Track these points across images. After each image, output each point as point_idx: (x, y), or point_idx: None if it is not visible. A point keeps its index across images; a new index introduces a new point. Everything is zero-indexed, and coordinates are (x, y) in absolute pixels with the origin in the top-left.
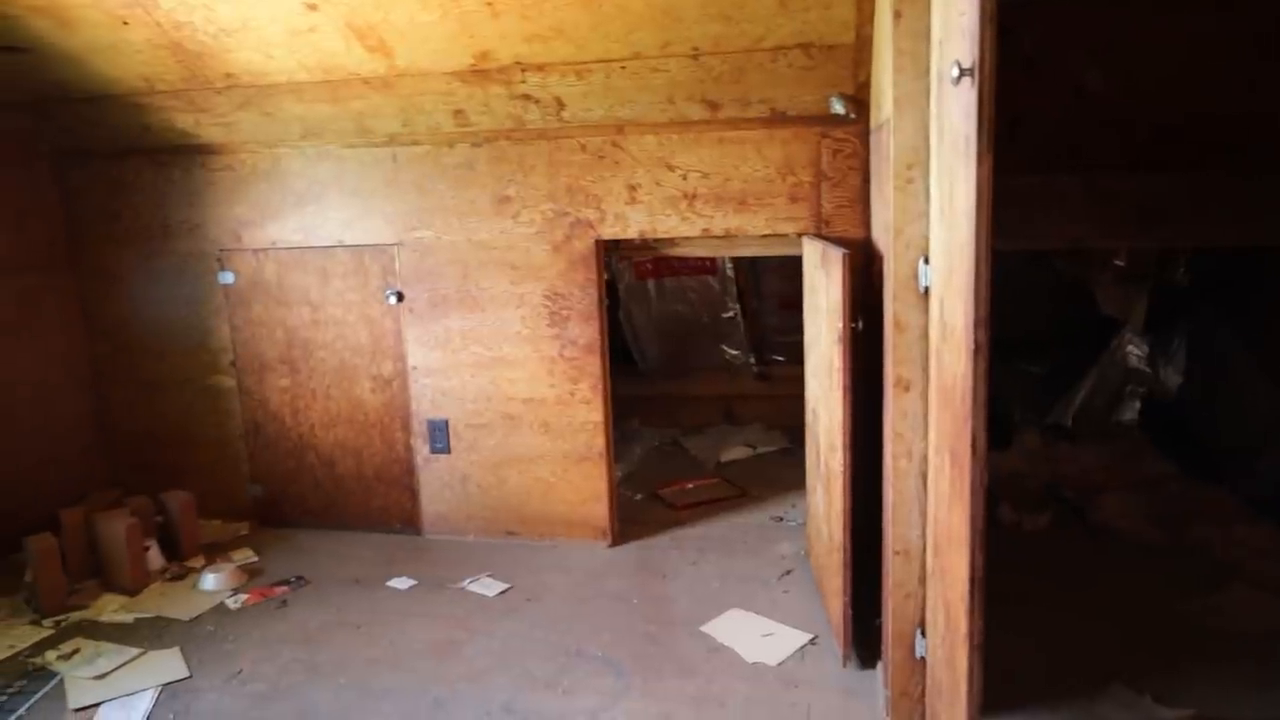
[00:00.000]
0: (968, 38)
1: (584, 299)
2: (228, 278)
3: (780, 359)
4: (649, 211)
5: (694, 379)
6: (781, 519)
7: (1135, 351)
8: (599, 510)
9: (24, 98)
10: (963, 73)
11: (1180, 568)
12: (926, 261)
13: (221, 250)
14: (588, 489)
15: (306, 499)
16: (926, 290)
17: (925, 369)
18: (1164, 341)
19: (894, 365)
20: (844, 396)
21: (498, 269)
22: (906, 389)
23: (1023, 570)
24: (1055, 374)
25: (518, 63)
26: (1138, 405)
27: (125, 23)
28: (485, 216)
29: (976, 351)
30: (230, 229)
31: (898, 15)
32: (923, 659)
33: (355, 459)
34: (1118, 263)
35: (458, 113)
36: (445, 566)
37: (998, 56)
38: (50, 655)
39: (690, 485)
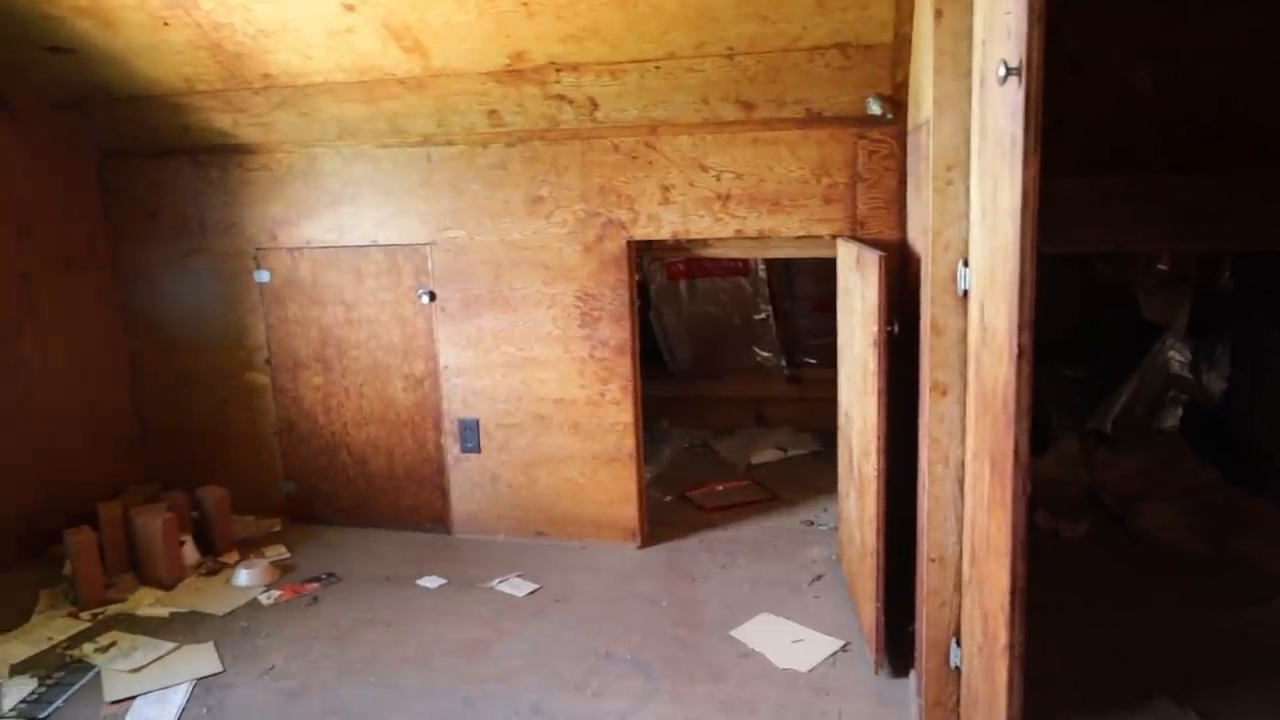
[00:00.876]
0: (1014, 37)
1: (615, 300)
2: (263, 276)
3: (812, 361)
4: (682, 212)
5: (724, 380)
6: (812, 523)
7: (1178, 357)
8: (628, 511)
9: (68, 97)
10: (1009, 72)
11: (1223, 579)
12: (965, 264)
13: (257, 249)
14: (617, 490)
15: (338, 496)
16: (965, 293)
17: (963, 373)
18: (1207, 347)
19: (931, 369)
20: (879, 400)
21: (530, 269)
22: (944, 394)
23: (1059, 579)
24: (1094, 378)
25: (552, 63)
26: (1179, 412)
27: (166, 24)
28: (518, 217)
29: (1020, 356)
30: (266, 228)
31: (939, 14)
32: (957, 669)
33: (386, 457)
34: (1160, 266)
35: (492, 113)
36: (475, 566)
37: (1044, 56)
38: (87, 648)
39: (720, 487)
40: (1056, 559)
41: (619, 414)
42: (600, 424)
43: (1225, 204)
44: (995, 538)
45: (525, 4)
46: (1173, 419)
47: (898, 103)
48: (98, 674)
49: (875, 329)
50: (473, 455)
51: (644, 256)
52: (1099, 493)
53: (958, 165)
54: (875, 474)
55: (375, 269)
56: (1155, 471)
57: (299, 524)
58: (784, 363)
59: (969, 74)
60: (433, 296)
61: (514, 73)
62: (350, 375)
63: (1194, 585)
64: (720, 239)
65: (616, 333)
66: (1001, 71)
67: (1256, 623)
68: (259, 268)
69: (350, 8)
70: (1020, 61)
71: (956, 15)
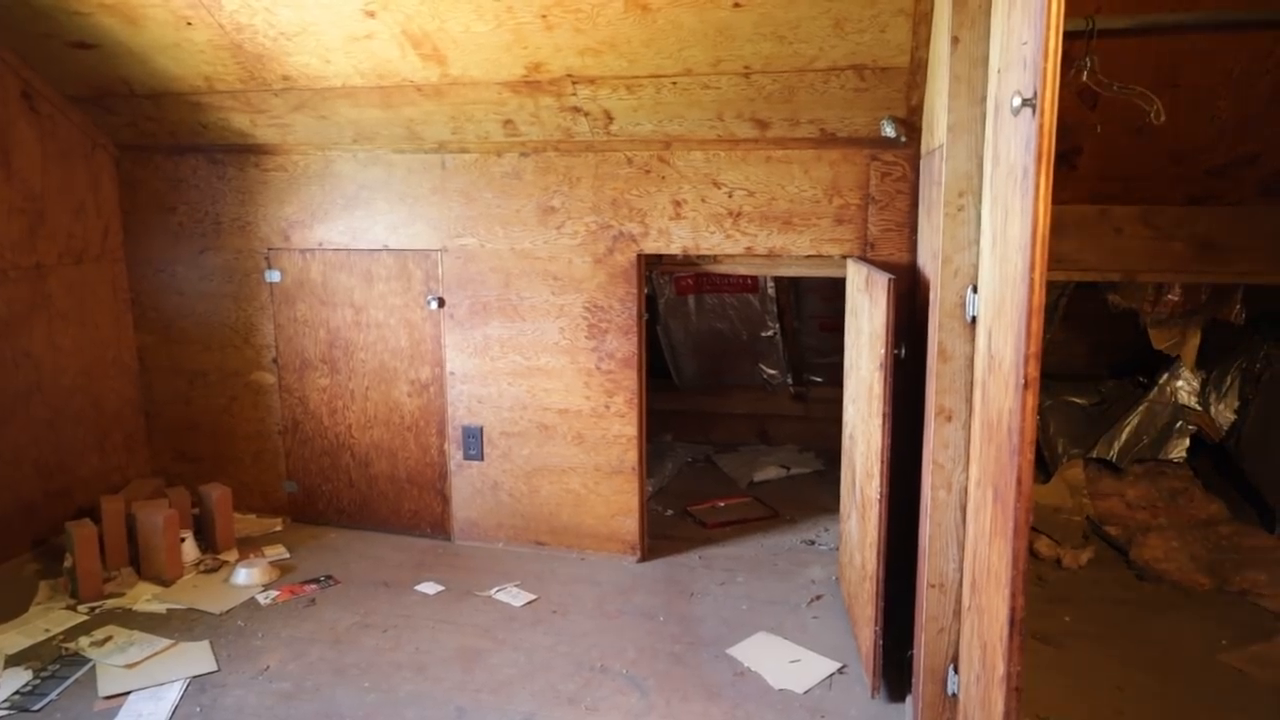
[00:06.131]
0: (1030, 68)
1: (623, 312)
2: (274, 276)
3: (818, 380)
4: (693, 228)
5: (729, 396)
6: (813, 542)
7: (1186, 387)
8: (629, 525)
9: (90, 92)
10: (1024, 103)
11: (1227, 615)
12: (974, 291)
13: (270, 249)
14: (619, 503)
15: (340, 498)
16: (973, 320)
17: (969, 399)
18: (1217, 378)
19: (937, 394)
20: (883, 424)
21: (539, 279)
22: (949, 419)
23: (1061, 608)
24: (1101, 406)
25: (569, 75)
26: (1187, 443)
27: (189, 23)
28: (529, 226)
29: (1026, 387)
30: (279, 228)
31: (956, 41)
32: (954, 696)
33: (389, 461)
34: (1171, 297)
35: (507, 122)
36: (473, 573)
37: (1059, 88)
38: (84, 641)
39: (722, 504)
40: (1058, 587)
41: (623, 427)
42: (604, 436)
43: (1237, 237)
44: (996, 568)
45: (544, 16)
46: (1179, 450)
47: (912, 126)
48: (93, 668)
49: (882, 352)
50: (475, 462)
51: (653, 270)
52: (1102, 522)
53: (970, 192)
54: (878, 497)
55: (386, 273)
56: (1160, 502)
57: (300, 524)
58: (790, 381)
59: (983, 100)
60: (441, 303)
61: (530, 83)
62: (356, 378)
63: (1196, 620)
64: (730, 255)
65: (624, 345)
66: (1016, 102)
67: (1260, 660)
68: (270, 267)
69: (371, 14)
70: (1035, 93)
71: (973, 42)
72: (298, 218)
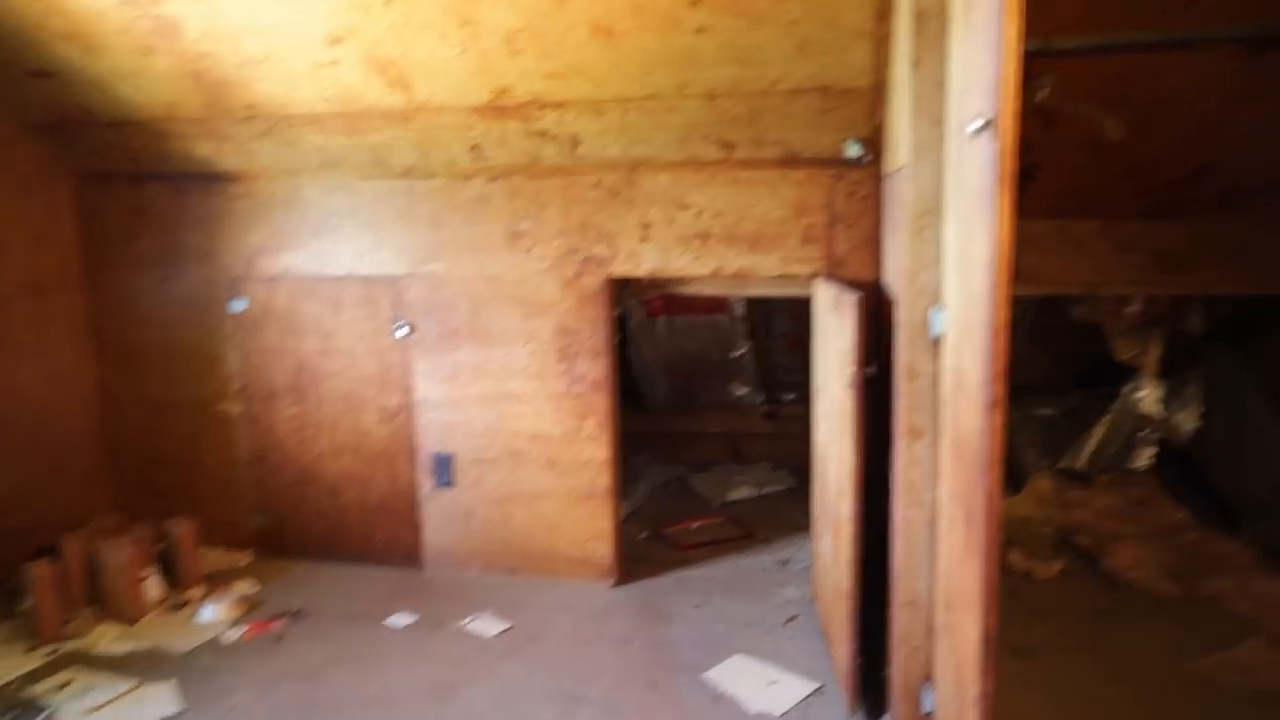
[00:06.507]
0: (988, 92)
1: (594, 335)
2: (240, 304)
3: (790, 397)
4: (661, 250)
5: (701, 416)
6: (787, 562)
7: (1150, 397)
8: (603, 549)
9: (50, 120)
10: (984, 125)
11: (1197, 622)
12: (940, 309)
13: (235, 277)
14: (592, 527)
15: (309, 529)
16: (940, 338)
17: (937, 417)
18: (1179, 387)
19: (905, 413)
20: (854, 443)
21: (508, 304)
22: (918, 437)
23: (1033, 621)
24: (1068, 418)
25: (535, 99)
26: (1152, 451)
27: (150, 51)
28: (497, 251)
29: (993, 406)
30: (245, 256)
31: (917, 63)
32: (929, 713)
33: (359, 490)
34: (1132, 309)
35: (474, 148)
36: (446, 603)
37: (1019, 110)
38: (43, 686)
39: (695, 525)
40: (1030, 600)
41: (595, 450)
42: (576, 460)
43: (1195, 249)
44: (967, 586)
45: (509, 41)
46: (1145, 459)
47: (876, 145)
48: (51, 715)
49: (851, 371)
50: (446, 490)
51: (623, 292)
52: (1072, 533)
53: (933, 211)
54: (850, 516)
55: (353, 300)
56: (1127, 512)
57: (269, 557)
58: (761, 399)
59: (945, 122)
60: (410, 329)
61: (497, 108)
62: (325, 406)
63: (1165, 627)
64: (699, 277)
65: (594, 368)
66: (977, 124)
67: (1227, 666)
68: (236, 296)
69: (336, 40)
70: (994, 115)
71: (933, 64)
72: (263, 245)
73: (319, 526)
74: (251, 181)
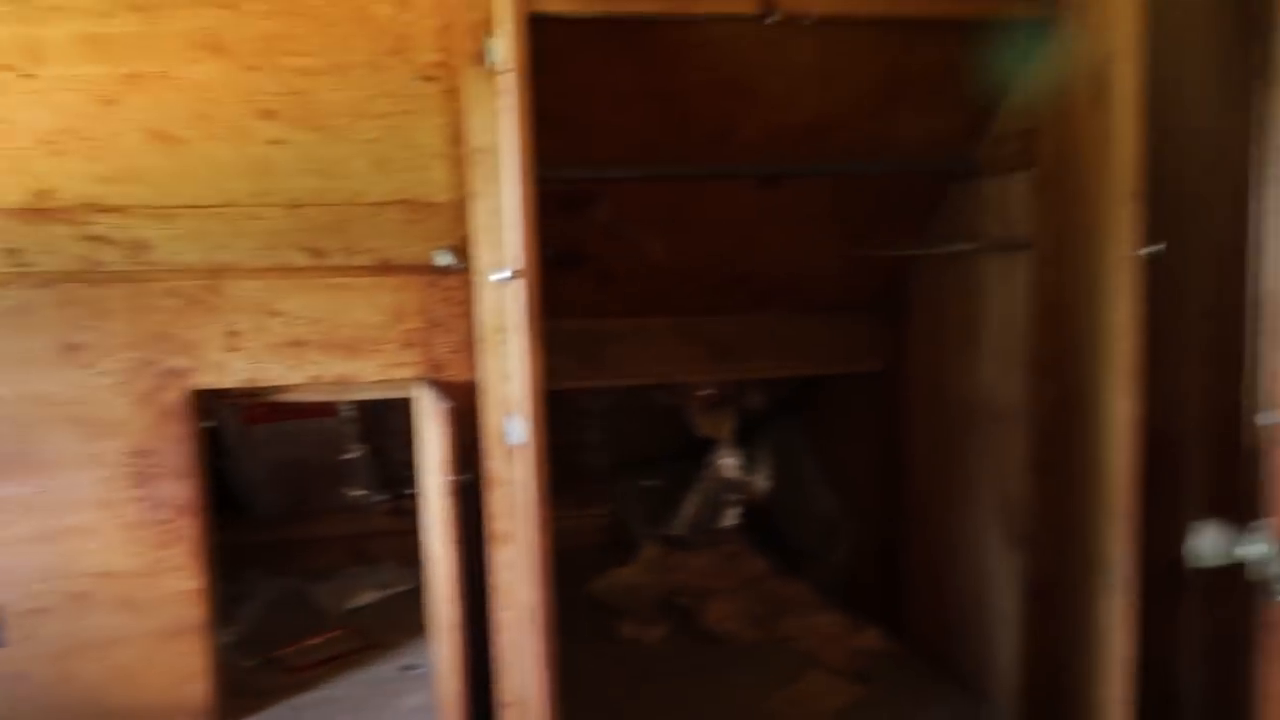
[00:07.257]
0: (513, 243)
1: (177, 454)
2: None
3: (411, 491)
4: (252, 359)
5: (319, 522)
6: (412, 668)
7: (730, 464)
8: (197, 691)
9: None
10: (514, 274)
11: (770, 662)
12: (514, 418)
13: None
14: (183, 669)
15: None
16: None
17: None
18: (753, 454)
19: (493, 519)
20: (454, 549)
21: (66, 425)
22: (506, 542)
23: (636, 684)
24: (668, 488)
25: (89, 203)
26: (738, 511)
27: None
28: (48, 366)
29: (543, 528)
30: None
31: (475, 195)
32: None
33: None
34: (704, 392)
35: (11, 252)
36: None
37: (539, 259)
38: None
39: (312, 642)
40: (635, 665)
41: (183, 581)
42: (159, 595)
43: (744, 341)
44: (539, 690)
45: (50, 142)
46: (732, 519)
47: (466, 253)
48: None
49: (448, 479)
50: None
51: (218, 403)
52: (675, 594)
53: (507, 327)
54: (453, 622)
55: None
56: (719, 568)
57: None
58: (383, 498)
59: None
60: None
61: (39, 211)
62: None
63: (746, 671)
64: (297, 385)
65: (180, 491)
66: (508, 273)
67: (794, 699)
68: None
69: None
70: (520, 265)
71: (492, 195)
72: None
73: None
74: None
